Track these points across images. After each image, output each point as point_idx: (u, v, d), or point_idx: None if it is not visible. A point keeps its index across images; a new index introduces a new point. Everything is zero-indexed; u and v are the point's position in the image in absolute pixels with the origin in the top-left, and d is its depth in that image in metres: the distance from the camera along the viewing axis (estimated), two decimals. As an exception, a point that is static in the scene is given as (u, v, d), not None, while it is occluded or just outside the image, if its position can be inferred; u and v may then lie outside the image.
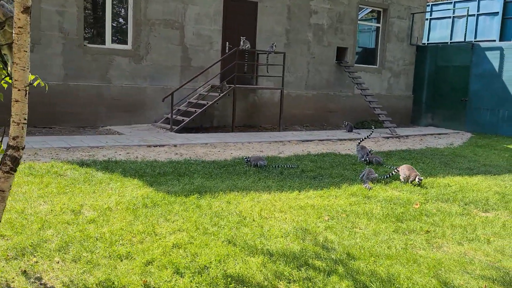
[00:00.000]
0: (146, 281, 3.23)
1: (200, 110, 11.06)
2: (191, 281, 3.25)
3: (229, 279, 3.32)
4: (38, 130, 10.02)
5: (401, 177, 6.70)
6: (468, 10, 15.50)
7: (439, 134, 13.66)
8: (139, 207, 4.79)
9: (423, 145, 11.10)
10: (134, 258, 3.56)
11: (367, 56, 15.65)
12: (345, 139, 11.33)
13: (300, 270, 3.56)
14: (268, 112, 13.19)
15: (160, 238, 4.00)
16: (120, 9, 11.46)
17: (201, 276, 3.33)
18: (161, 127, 11.22)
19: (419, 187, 6.43)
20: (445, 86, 15.20)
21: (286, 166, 7.42)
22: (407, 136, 12.78)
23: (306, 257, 3.80)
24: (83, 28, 10.72)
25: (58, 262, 3.43)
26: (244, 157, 7.54)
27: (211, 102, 11.20)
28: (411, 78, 16.07)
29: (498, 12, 16.12)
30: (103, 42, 11.19)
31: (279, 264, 3.64)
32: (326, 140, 11.11)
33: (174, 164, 7.08)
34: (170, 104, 10.89)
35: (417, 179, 6.48)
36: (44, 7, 10.18)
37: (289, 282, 3.37)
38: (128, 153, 7.99)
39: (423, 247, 4.25)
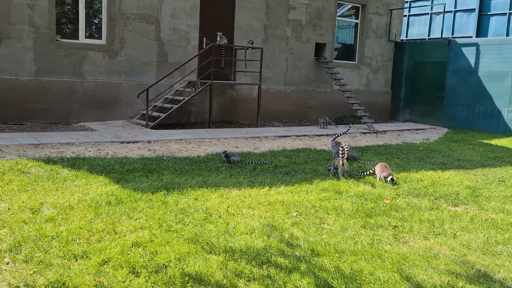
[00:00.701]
0: (100, 281, 3.11)
1: (176, 106, 10.91)
2: (146, 281, 3.15)
3: (186, 278, 3.22)
4: (8, 127, 9.74)
5: (377, 178, 6.58)
6: (444, 6, 15.60)
7: (416, 129, 13.74)
8: (102, 204, 4.65)
9: (399, 140, 11.13)
10: (90, 258, 3.44)
11: (346, 52, 15.65)
12: (322, 135, 11.30)
13: (261, 267, 3.48)
14: (246, 108, 13.08)
15: (119, 237, 3.88)
16: (94, 3, 11.21)
17: (157, 275, 3.22)
18: (136, 123, 11.04)
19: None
20: (422, 82, 15.28)
21: (260, 162, 7.33)
22: (384, 131, 12.83)
23: (269, 254, 3.73)
24: (55, 23, 10.44)
25: (7, 263, 3.29)
26: (223, 151, 7.31)
27: (187, 98, 11.05)
28: (390, 74, 16.12)
29: (474, 9, 16.29)
30: (77, 37, 10.93)
31: (241, 262, 3.55)
32: (303, 135, 11.06)
33: (145, 161, 6.93)
34: (146, 100, 10.72)
35: (389, 179, 6.39)
36: (14, 0, 9.89)
37: (249, 280, 3.29)
38: (99, 149, 7.81)
39: (389, 242, 4.22)
